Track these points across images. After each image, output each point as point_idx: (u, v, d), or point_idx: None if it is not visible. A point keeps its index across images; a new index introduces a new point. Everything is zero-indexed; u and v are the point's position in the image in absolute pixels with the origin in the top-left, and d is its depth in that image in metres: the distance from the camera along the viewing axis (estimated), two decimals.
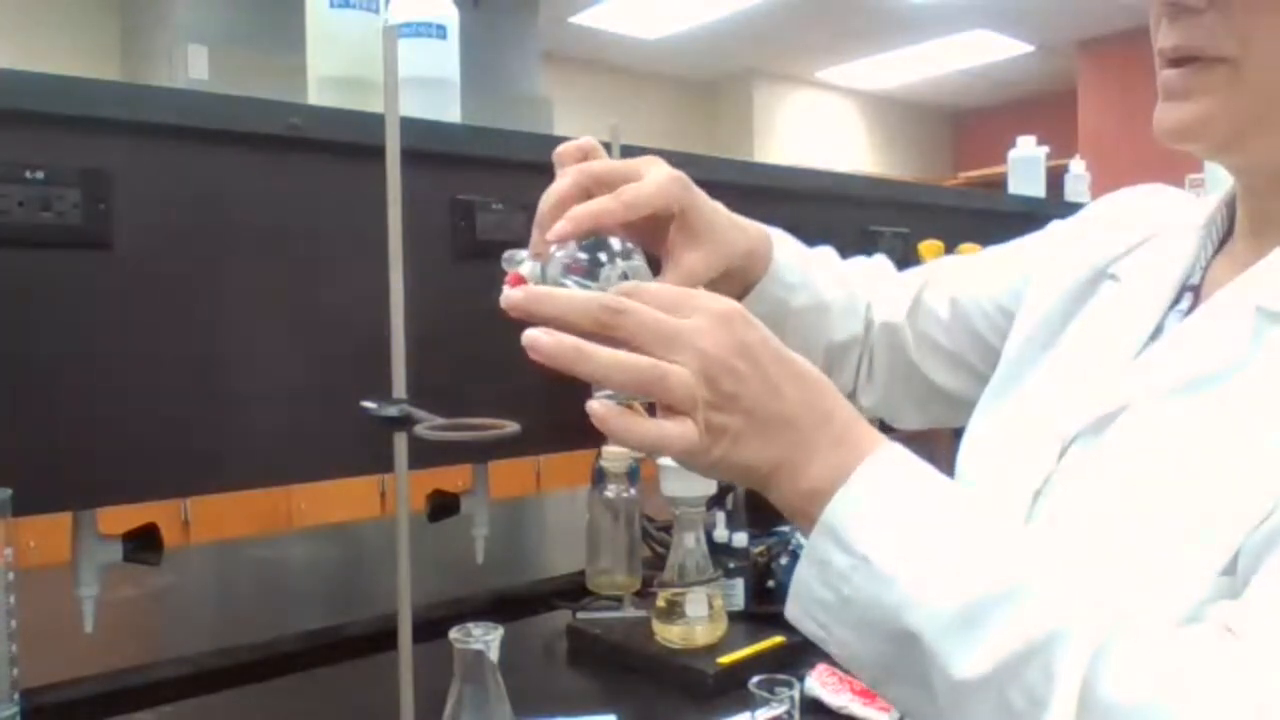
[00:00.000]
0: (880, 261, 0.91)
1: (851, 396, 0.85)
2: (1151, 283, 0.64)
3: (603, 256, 0.59)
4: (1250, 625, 0.45)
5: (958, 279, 0.83)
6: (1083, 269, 0.70)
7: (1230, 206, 0.65)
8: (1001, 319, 0.78)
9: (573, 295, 0.50)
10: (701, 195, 0.71)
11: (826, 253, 0.85)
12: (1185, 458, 0.53)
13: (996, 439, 0.69)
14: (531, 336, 0.48)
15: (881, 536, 0.48)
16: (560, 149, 0.69)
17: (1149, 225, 0.69)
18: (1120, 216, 0.73)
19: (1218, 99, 0.55)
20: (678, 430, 0.49)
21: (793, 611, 0.52)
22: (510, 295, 0.50)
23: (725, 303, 0.51)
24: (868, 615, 0.49)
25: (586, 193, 0.64)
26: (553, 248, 0.59)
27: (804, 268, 0.79)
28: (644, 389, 0.48)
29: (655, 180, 0.66)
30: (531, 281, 0.58)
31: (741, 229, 0.75)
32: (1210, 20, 0.54)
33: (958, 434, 0.74)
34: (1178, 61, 0.56)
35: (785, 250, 0.78)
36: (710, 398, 0.49)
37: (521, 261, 0.62)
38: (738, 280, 0.76)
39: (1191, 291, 0.63)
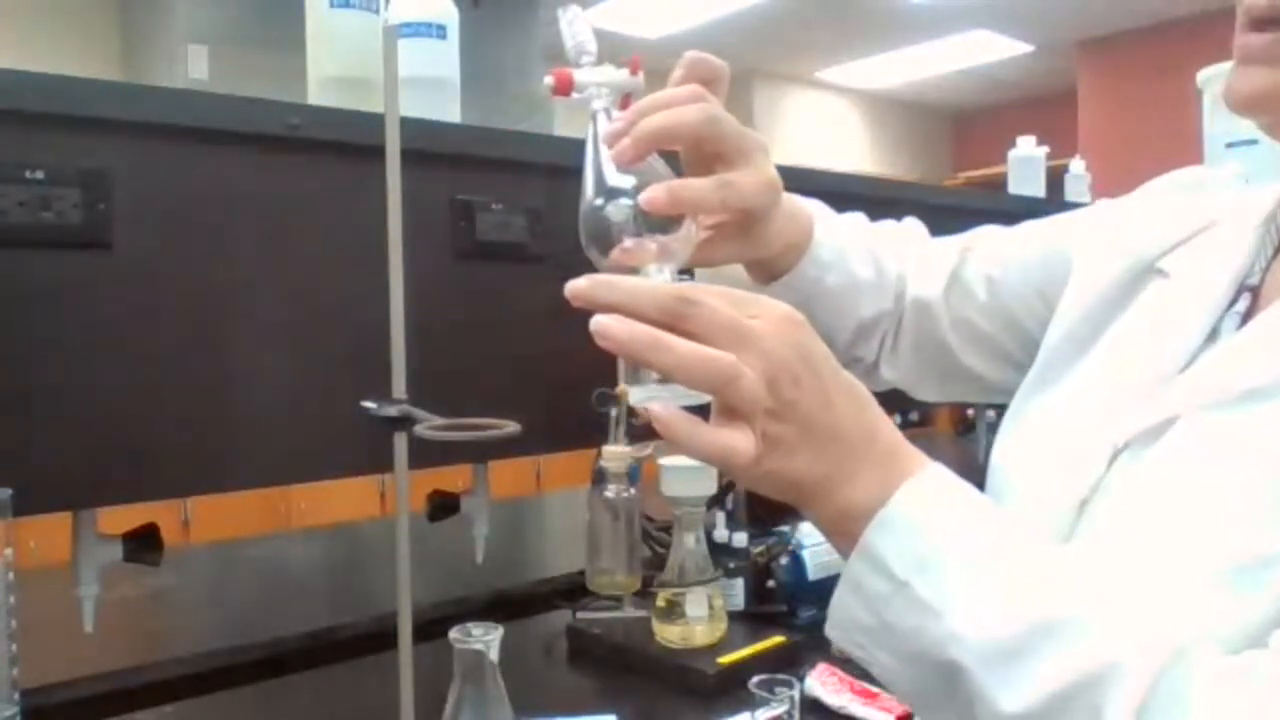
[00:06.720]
0: (912, 225, 0.86)
1: (874, 368, 0.82)
2: (1205, 281, 0.60)
3: None
4: None
5: (996, 256, 0.78)
6: (1129, 261, 0.66)
7: None
8: (1040, 305, 0.73)
9: (641, 283, 0.47)
10: (782, 204, 0.68)
11: (858, 221, 0.81)
12: (1242, 473, 0.50)
13: (1038, 442, 0.65)
14: (602, 324, 0.44)
15: (925, 563, 0.46)
16: (694, 58, 0.65)
17: (1200, 216, 0.65)
18: (1170, 204, 0.68)
19: None
20: (743, 440, 0.45)
21: (833, 633, 0.51)
22: (576, 285, 0.46)
23: (785, 307, 0.48)
24: (910, 643, 0.47)
25: (691, 138, 0.62)
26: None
27: (840, 245, 0.76)
28: (715, 387, 0.45)
29: (756, 184, 0.64)
30: (602, 139, 0.57)
31: (782, 230, 0.71)
32: None
33: (959, 430, 0.73)
34: (1266, 24, 0.53)
35: (823, 228, 0.75)
36: (771, 404, 0.46)
37: (586, 88, 0.61)
38: (766, 267, 0.74)
39: (1250, 292, 0.59)
